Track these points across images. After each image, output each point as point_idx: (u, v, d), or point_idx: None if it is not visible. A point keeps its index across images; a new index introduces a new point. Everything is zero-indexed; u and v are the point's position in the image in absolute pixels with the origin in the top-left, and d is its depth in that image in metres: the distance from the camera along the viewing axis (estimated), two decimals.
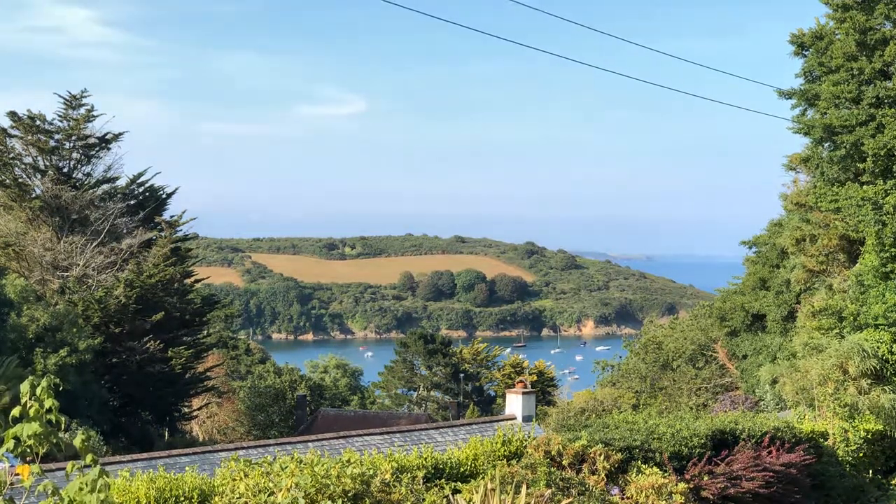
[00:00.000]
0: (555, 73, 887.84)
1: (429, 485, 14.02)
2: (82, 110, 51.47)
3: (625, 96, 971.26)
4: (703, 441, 17.92)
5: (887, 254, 27.86)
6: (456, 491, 13.82)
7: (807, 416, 25.14)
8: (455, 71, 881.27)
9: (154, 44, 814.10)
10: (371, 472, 12.43)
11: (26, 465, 6.07)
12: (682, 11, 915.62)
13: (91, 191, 51.29)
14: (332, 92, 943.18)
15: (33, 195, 50.10)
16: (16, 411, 6.12)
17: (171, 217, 54.36)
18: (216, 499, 12.38)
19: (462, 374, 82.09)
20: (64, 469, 6.56)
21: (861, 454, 23.54)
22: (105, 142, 52.16)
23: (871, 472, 23.57)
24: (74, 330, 39.19)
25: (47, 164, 50.58)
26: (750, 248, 46.76)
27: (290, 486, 11.33)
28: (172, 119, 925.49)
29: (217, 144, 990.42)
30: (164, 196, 55.00)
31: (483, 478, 14.19)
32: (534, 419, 23.49)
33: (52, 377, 6.25)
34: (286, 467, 11.93)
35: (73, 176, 51.49)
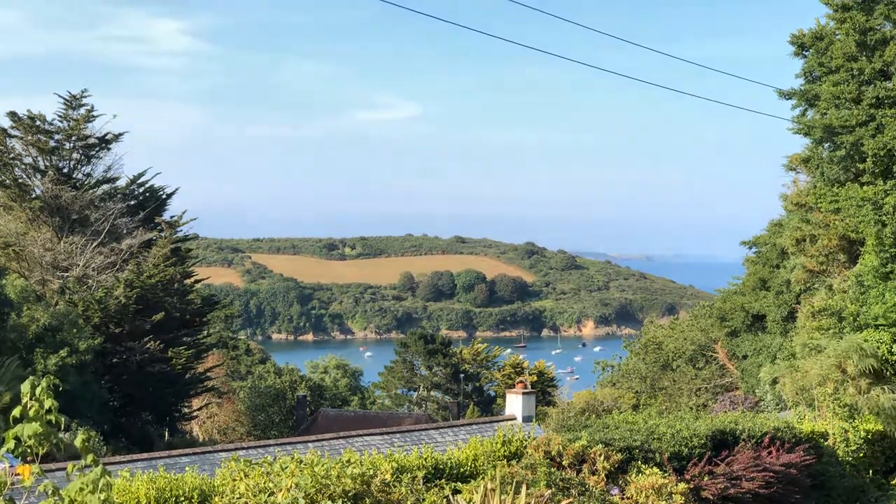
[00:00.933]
0: (554, 75, 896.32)
1: (429, 485, 14.02)
2: (82, 110, 51.49)
3: (625, 96, 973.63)
4: (703, 441, 17.92)
5: (887, 254, 27.86)
6: (456, 491, 13.83)
7: (807, 417, 25.14)
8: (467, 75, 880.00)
9: (222, 50, 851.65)
10: (371, 472, 12.43)
11: (26, 465, 6.07)
12: (679, 11, 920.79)
13: (91, 191, 51.31)
14: (387, 98, 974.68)
15: (33, 195, 50.11)
16: (16, 412, 6.13)
17: (172, 217, 54.40)
18: (216, 499, 12.38)
19: (462, 375, 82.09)
20: (64, 469, 6.56)
21: (861, 454, 23.54)
22: (105, 142, 52.17)
23: (871, 472, 23.57)
24: (74, 330, 39.19)
25: (47, 164, 50.59)
26: (750, 248, 46.77)
27: (291, 487, 11.33)
28: (226, 122, 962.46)
29: (263, 146, 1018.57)
30: (164, 196, 55.03)
31: (483, 478, 14.19)
32: (534, 419, 23.49)
33: (52, 378, 6.25)
34: (286, 467, 11.93)
35: (73, 176, 51.51)
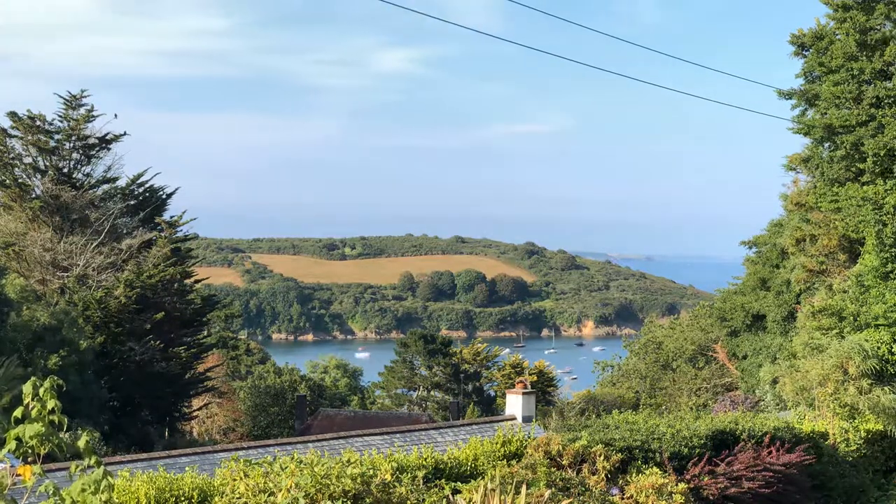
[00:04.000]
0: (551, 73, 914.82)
1: (429, 485, 14.02)
2: (82, 110, 51.48)
3: (625, 96, 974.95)
4: (703, 441, 17.92)
5: (887, 254, 27.85)
6: (456, 491, 13.82)
7: (807, 417, 25.15)
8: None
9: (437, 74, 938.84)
10: (371, 472, 12.43)
11: (28, 465, 6.08)
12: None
13: (91, 191, 51.31)
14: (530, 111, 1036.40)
15: (33, 195, 50.10)
16: (18, 412, 6.13)
17: (172, 217, 54.40)
18: (216, 499, 12.39)
19: (462, 375, 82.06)
20: (66, 470, 6.57)
21: (861, 454, 23.54)
22: (105, 142, 52.15)
23: (871, 472, 23.57)
24: (74, 330, 39.19)
25: (47, 164, 50.59)
26: (750, 248, 46.77)
27: (290, 487, 11.33)
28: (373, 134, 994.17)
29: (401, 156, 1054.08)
30: (164, 196, 55.03)
31: (483, 478, 14.19)
32: (534, 419, 23.49)
33: (55, 378, 6.25)
34: (286, 467, 11.94)
35: (73, 176, 51.50)
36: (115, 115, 52.88)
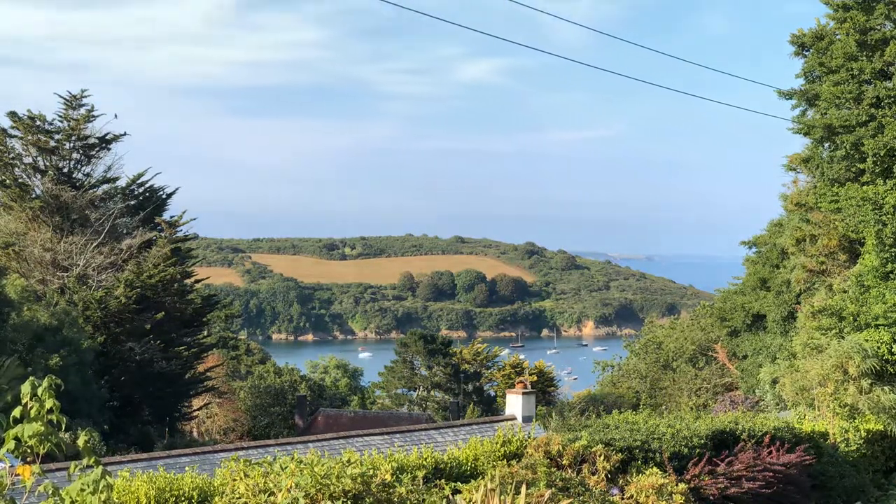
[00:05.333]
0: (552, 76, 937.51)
1: (429, 485, 14.01)
2: (82, 110, 51.44)
3: (624, 96, 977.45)
4: (703, 441, 17.92)
5: (887, 254, 27.84)
6: (456, 491, 13.82)
7: (807, 417, 25.14)
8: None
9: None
10: (371, 472, 12.42)
11: (27, 465, 6.07)
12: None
13: (91, 191, 51.28)
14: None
15: (33, 195, 50.07)
16: (17, 412, 6.12)
17: (172, 217, 54.38)
18: (216, 499, 12.38)
19: (462, 375, 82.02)
20: (65, 469, 6.56)
21: (861, 454, 23.53)
22: (105, 142, 52.12)
23: (871, 472, 23.56)
24: (74, 330, 39.17)
25: (47, 164, 50.56)
26: (750, 248, 46.75)
27: (291, 487, 11.32)
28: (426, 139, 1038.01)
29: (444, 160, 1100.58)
30: (164, 196, 55.01)
31: (483, 478, 14.19)
32: (534, 419, 23.48)
33: (54, 378, 6.24)
34: (286, 467, 11.93)
35: (73, 176, 51.47)
36: (115, 115, 52.92)
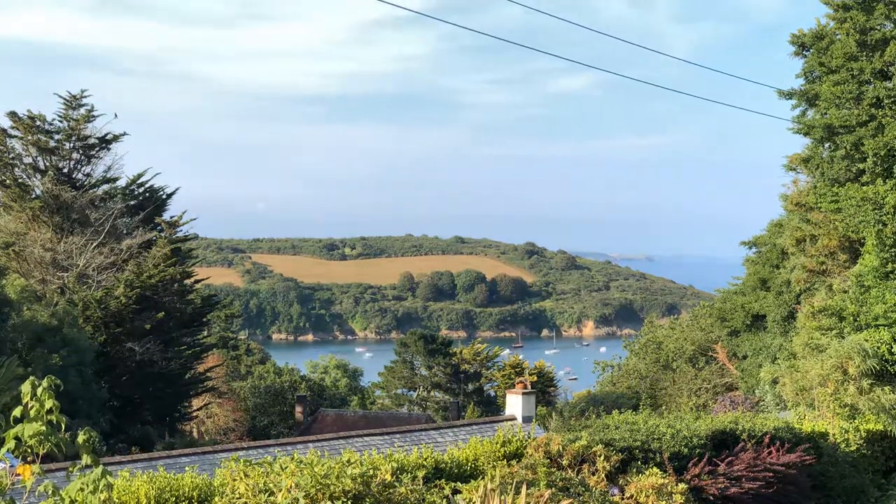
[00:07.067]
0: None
1: (429, 485, 14.01)
2: (82, 110, 51.45)
3: (624, 96, 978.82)
4: (703, 441, 17.91)
5: (887, 254, 27.85)
6: (456, 491, 13.82)
7: (807, 417, 25.14)
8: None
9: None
10: (371, 472, 12.42)
11: (27, 465, 6.07)
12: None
13: (91, 191, 51.28)
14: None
15: (33, 195, 50.07)
16: (17, 412, 6.12)
17: (172, 217, 54.38)
18: (216, 499, 12.38)
19: (462, 375, 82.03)
20: (65, 469, 6.56)
21: (861, 454, 23.52)
22: (105, 142, 52.13)
23: (871, 472, 23.56)
24: (74, 330, 39.17)
25: (47, 164, 50.56)
26: (750, 248, 46.74)
27: (291, 487, 11.32)
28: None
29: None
30: (164, 196, 55.01)
31: (483, 478, 14.18)
32: (534, 419, 23.48)
33: (53, 378, 6.24)
34: (286, 467, 11.93)
35: (74, 176, 51.48)
36: (115, 115, 52.91)
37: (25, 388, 6.10)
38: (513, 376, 71.82)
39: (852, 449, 23.26)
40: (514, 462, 15.72)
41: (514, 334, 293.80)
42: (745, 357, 42.88)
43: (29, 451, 6.04)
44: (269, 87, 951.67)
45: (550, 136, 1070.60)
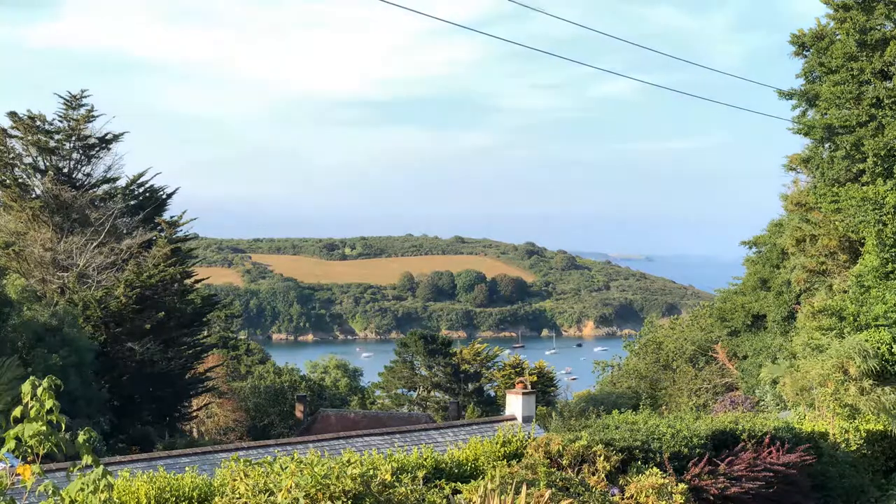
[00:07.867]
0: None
1: (429, 485, 14.01)
2: (82, 110, 51.47)
3: (624, 96, 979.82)
4: (703, 441, 17.90)
5: (888, 254, 27.84)
6: (456, 491, 13.82)
7: (807, 417, 25.14)
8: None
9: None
10: (371, 472, 12.42)
11: (27, 465, 6.07)
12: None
13: (91, 191, 51.29)
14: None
15: (33, 195, 50.09)
16: (17, 412, 6.12)
17: (172, 217, 54.39)
18: (216, 499, 12.37)
19: (462, 375, 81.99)
20: (65, 469, 6.56)
21: (861, 454, 23.51)
22: (105, 142, 52.15)
23: (871, 472, 23.55)
24: (75, 330, 39.16)
25: (47, 164, 50.58)
26: (750, 248, 46.75)
27: (291, 487, 11.32)
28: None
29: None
30: (164, 196, 55.03)
31: (483, 478, 14.19)
32: (534, 419, 23.48)
33: (54, 378, 6.24)
34: (286, 467, 11.92)
35: (74, 176, 51.49)
36: (114, 116, 53.00)
37: (25, 388, 6.10)
38: (513, 376, 71.80)
39: (852, 449, 23.25)
40: (514, 462, 15.72)
41: (514, 334, 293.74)
42: (745, 357, 42.88)
43: (29, 451, 6.04)
44: (312, 92, 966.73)
45: (579, 139, 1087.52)
